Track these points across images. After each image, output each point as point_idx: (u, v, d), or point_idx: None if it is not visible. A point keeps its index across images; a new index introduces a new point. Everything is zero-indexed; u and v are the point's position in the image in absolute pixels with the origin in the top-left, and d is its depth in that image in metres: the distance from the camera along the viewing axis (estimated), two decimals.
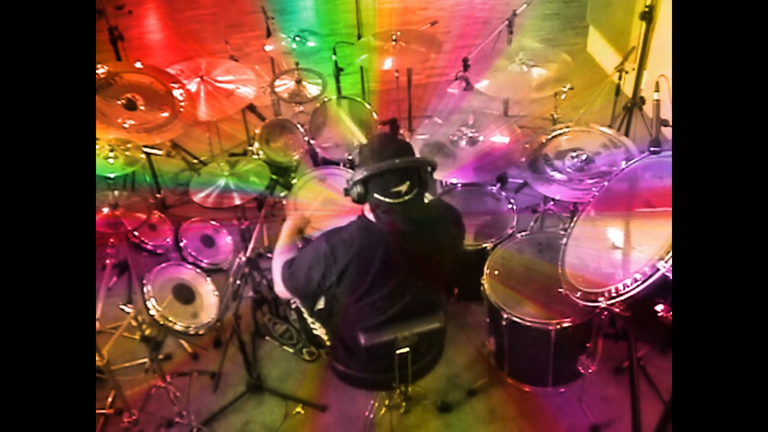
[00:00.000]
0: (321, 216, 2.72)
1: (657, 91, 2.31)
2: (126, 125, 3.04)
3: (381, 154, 1.98)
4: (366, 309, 2.15)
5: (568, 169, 2.85)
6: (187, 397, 2.84)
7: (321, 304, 2.44)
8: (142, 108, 3.14)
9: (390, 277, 2.07)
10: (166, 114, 3.16)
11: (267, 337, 3.15)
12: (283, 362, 3.07)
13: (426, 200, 2.15)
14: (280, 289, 2.23)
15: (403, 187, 1.96)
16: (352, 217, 2.15)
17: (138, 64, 3.31)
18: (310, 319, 2.46)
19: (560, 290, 2.30)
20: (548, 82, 3.29)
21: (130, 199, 2.87)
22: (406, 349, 2.17)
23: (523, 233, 2.89)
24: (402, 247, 2.05)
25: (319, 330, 2.47)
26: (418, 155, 2.47)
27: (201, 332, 2.70)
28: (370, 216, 2.07)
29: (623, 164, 2.44)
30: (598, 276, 2.12)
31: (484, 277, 2.68)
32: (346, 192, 2.07)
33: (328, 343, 2.46)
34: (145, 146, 3.11)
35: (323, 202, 2.92)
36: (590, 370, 2.58)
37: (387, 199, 1.97)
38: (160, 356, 2.95)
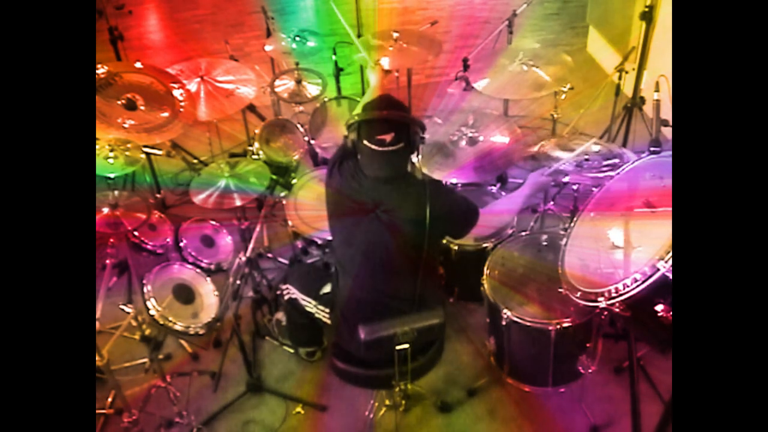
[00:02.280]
0: (320, 216, 2.72)
1: (657, 91, 2.31)
2: (126, 125, 3.04)
3: (376, 107, 2.17)
4: (349, 263, 2.27)
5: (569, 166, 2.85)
6: (187, 397, 2.83)
7: (327, 288, 2.50)
8: (142, 108, 3.14)
9: (362, 223, 2.20)
10: (166, 114, 3.16)
11: (267, 337, 3.15)
12: (283, 362, 3.07)
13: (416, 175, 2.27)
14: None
15: (388, 137, 2.08)
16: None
17: (138, 64, 3.30)
18: (313, 302, 2.53)
19: (560, 290, 2.30)
20: (548, 82, 3.29)
21: (130, 199, 2.87)
22: (406, 345, 2.17)
23: (523, 233, 2.89)
24: (376, 197, 2.18)
25: (321, 314, 2.50)
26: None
27: (201, 332, 2.69)
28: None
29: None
30: (598, 276, 2.12)
31: (484, 277, 2.69)
32: (345, 140, 2.24)
33: (329, 327, 2.50)
34: (145, 146, 3.11)
35: (323, 202, 2.91)
36: (590, 370, 2.58)
37: (372, 145, 2.11)
38: (160, 356, 2.96)
